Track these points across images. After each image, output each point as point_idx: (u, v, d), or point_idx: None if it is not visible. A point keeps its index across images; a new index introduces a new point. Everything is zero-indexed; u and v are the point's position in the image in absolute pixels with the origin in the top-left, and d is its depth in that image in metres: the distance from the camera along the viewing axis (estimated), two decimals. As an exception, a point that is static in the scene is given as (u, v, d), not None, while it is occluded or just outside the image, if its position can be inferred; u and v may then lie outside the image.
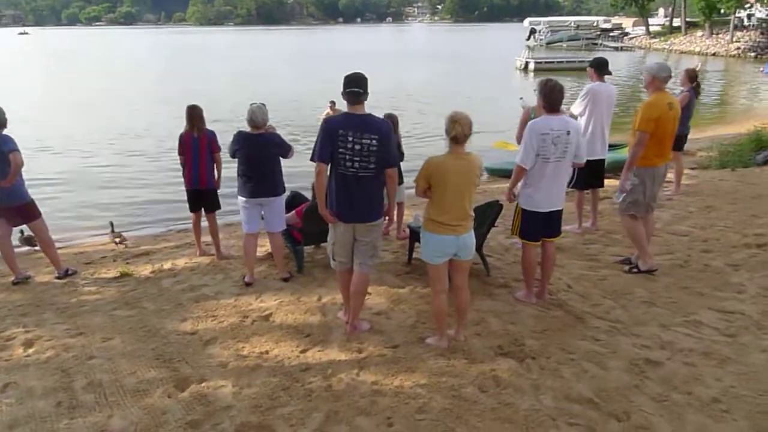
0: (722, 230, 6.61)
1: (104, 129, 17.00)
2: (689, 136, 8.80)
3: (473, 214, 4.15)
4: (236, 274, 5.89)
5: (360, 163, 4.07)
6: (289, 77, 32.90)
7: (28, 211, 5.74)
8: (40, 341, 4.56)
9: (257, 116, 5.20)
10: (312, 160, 4.15)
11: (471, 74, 33.46)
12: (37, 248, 6.77)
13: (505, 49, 44.82)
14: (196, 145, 6.00)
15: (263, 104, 5.31)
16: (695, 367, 3.90)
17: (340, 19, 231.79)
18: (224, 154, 5.79)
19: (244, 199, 5.40)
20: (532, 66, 33.43)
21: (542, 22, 64.07)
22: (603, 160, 6.60)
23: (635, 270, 5.49)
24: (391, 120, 6.52)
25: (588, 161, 6.39)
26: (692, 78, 8.05)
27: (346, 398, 3.64)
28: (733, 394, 3.59)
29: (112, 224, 7.57)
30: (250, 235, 5.56)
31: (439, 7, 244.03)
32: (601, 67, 6.42)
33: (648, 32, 64.04)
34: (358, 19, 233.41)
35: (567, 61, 34.68)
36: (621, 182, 5.40)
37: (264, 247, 6.24)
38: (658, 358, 4.02)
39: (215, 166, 6.20)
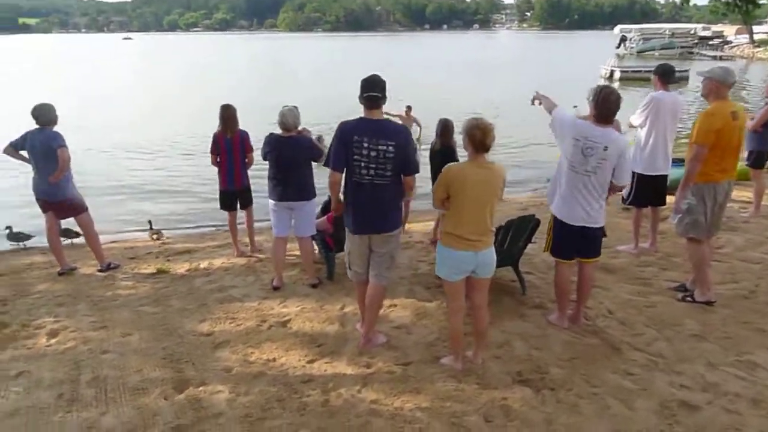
0: (802, 259, 5.89)
1: (183, 131, 17.56)
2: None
3: (494, 229, 3.86)
4: (268, 277, 5.84)
5: (376, 170, 3.89)
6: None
7: (75, 206, 5.96)
8: (65, 332, 4.68)
9: (288, 119, 5.13)
10: (326, 165, 4.02)
11: (553, 83, 32.00)
12: (71, 240, 7.22)
13: (594, 57, 42.99)
14: (230, 146, 6.07)
15: (295, 107, 5.24)
16: (739, 416, 3.42)
17: (427, 26, 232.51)
18: (257, 155, 5.80)
19: (273, 202, 5.35)
20: (617, 75, 31.79)
21: (633, 29, 60.96)
22: (665, 176, 6.05)
23: (689, 299, 4.96)
24: (446, 126, 6.32)
25: (648, 176, 5.94)
26: (778, 89, 7.28)
27: (340, 416, 3.46)
28: (778, 452, 3.11)
29: (150, 222, 7.81)
30: (279, 239, 5.49)
31: (528, 14, 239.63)
32: (666, 75, 5.89)
33: (752, 41, 59.73)
34: (445, 26, 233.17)
35: (656, 71, 32.83)
36: (676, 201, 4.90)
37: (298, 251, 6.17)
38: (696, 402, 3.56)
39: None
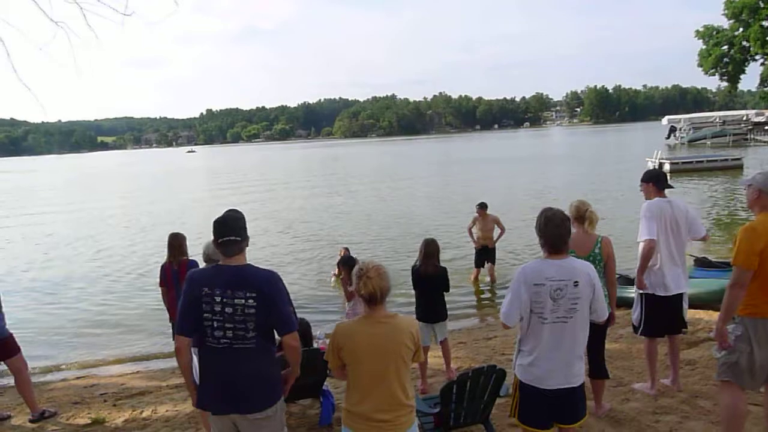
0: None
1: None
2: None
3: (411, 402, 2.95)
4: None
5: (234, 331, 3.00)
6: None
7: (6, 347, 5.42)
8: None
9: (212, 250, 4.51)
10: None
11: (595, 178, 31.07)
12: None
13: (643, 149, 41.74)
14: (176, 277, 5.57)
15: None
16: None
17: (478, 127, 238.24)
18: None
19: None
20: (667, 167, 30.01)
21: (683, 119, 59.72)
22: (680, 296, 5.00)
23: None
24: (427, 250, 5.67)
25: (659, 298, 4.94)
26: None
27: None
28: None
29: None
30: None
31: (578, 109, 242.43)
32: (659, 180, 5.04)
33: (812, 124, 57.27)
34: (495, 126, 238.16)
35: (708, 160, 31.11)
36: (717, 334, 3.80)
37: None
38: None
39: None
